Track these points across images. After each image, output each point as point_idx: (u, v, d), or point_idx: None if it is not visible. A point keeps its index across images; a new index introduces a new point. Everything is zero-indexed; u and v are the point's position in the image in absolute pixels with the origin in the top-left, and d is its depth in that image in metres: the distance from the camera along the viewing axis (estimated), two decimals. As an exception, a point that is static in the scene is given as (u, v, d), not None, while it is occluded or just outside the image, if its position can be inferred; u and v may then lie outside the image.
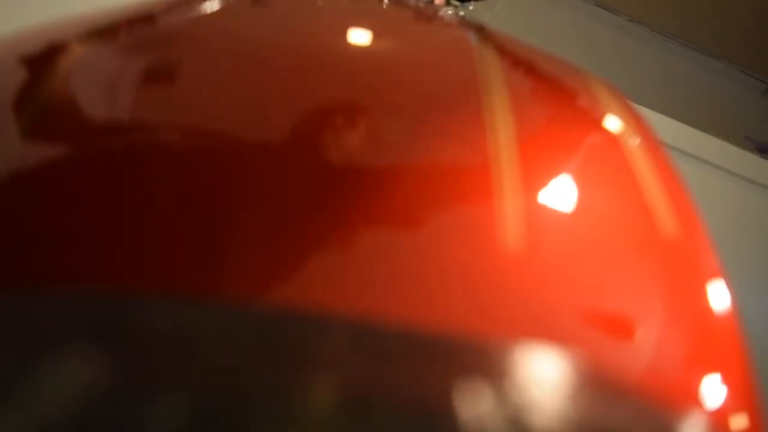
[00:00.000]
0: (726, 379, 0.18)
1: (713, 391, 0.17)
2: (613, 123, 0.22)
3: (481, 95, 0.19)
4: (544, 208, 0.18)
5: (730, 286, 0.20)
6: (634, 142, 0.21)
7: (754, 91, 1.72)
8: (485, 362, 0.14)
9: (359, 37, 0.23)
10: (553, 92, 0.22)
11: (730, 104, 1.68)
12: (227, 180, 0.16)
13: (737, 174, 1.22)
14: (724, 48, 1.67)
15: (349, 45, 0.22)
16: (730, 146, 1.25)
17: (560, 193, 0.18)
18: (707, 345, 0.19)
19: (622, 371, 0.16)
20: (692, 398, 0.17)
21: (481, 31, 0.25)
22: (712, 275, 0.20)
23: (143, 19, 0.22)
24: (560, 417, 0.13)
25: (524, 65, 0.24)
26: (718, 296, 0.19)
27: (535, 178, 0.18)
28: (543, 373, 0.14)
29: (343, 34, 0.22)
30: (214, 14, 0.23)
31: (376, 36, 0.23)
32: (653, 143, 0.22)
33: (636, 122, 0.22)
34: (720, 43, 1.66)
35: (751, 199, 1.23)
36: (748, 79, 1.71)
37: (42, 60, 0.20)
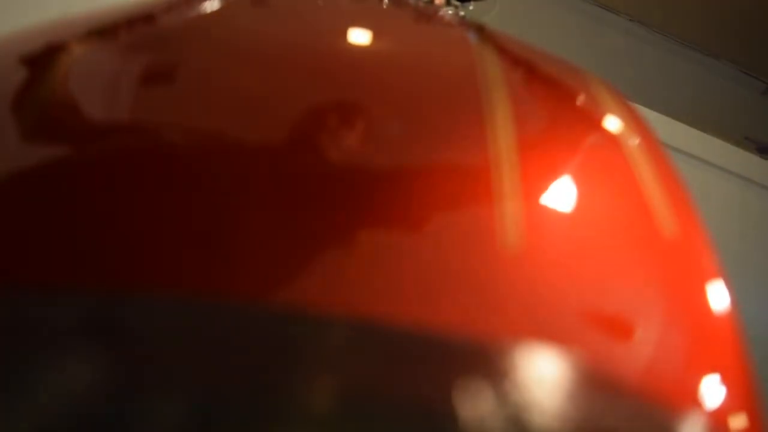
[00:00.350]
0: (725, 379, 0.18)
1: (712, 391, 0.17)
2: (612, 123, 0.22)
3: (481, 95, 0.19)
4: (544, 209, 0.18)
5: (730, 286, 0.20)
6: (634, 142, 0.21)
7: (754, 91, 1.72)
8: (485, 362, 0.14)
9: (359, 37, 0.23)
10: (553, 92, 0.22)
11: (730, 104, 1.68)
12: (228, 181, 0.16)
13: (737, 174, 1.23)
14: (724, 48, 1.67)
15: (349, 45, 0.22)
16: (730, 146, 1.25)
17: (560, 194, 0.18)
18: (706, 345, 0.19)
19: (621, 371, 0.16)
20: (691, 398, 0.17)
21: (480, 31, 0.25)
22: (712, 275, 0.20)
23: (143, 19, 0.22)
24: (560, 417, 0.13)
25: (524, 65, 0.24)
26: (718, 296, 0.19)
27: (535, 178, 0.18)
28: (543, 373, 0.14)
29: (343, 34, 0.22)
30: (213, 14, 0.23)
31: (376, 36, 0.23)
32: (653, 143, 0.22)
33: (636, 122, 0.22)
34: (720, 43, 1.66)
35: (751, 199, 1.23)
36: (748, 79, 1.71)
37: (41, 60, 0.20)
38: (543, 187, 0.18)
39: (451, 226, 0.17)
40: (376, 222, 0.16)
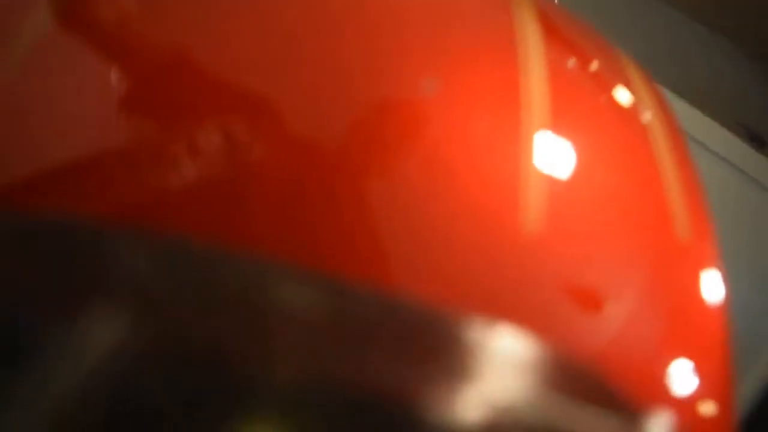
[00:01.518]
0: (699, 369, 0.18)
1: (683, 377, 0.17)
2: (640, 107, 0.22)
3: (519, 61, 0.19)
4: (564, 185, 0.18)
5: (724, 276, 0.20)
6: (659, 128, 0.21)
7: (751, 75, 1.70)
8: (454, 343, 0.14)
9: None
10: (591, 73, 0.22)
11: (725, 87, 1.66)
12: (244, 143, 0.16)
13: (727, 160, 1.22)
14: (724, 30, 1.64)
15: None
16: (724, 131, 1.24)
17: (580, 172, 0.18)
18: (685, 331, 0.19)
19: (590, 347, 0.16)
20: (661, 385, 0.17)
21: None
22: (708, 263, 0.20)
23: None
24: (529, 401, 0.13)
25: (567, 42, 0.23)
26: (709, 285, 0.19)
27: (559, 156, 0.18)
28: (512, 354, 0.14)
29: None
30: None
31: None
32: (675, 130, 0.22)
33: (660, 105, 0.22)
34: (720, 28, 1.63)
35: (747, 193, 1.23)
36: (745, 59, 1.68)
37: None
38: (566, 168, 0.18)
39: (473, 208, 0.16)
40: (387, 194, 0.16)
